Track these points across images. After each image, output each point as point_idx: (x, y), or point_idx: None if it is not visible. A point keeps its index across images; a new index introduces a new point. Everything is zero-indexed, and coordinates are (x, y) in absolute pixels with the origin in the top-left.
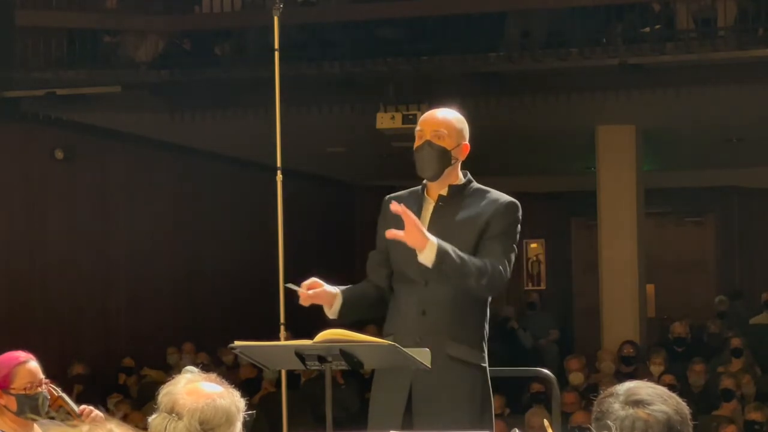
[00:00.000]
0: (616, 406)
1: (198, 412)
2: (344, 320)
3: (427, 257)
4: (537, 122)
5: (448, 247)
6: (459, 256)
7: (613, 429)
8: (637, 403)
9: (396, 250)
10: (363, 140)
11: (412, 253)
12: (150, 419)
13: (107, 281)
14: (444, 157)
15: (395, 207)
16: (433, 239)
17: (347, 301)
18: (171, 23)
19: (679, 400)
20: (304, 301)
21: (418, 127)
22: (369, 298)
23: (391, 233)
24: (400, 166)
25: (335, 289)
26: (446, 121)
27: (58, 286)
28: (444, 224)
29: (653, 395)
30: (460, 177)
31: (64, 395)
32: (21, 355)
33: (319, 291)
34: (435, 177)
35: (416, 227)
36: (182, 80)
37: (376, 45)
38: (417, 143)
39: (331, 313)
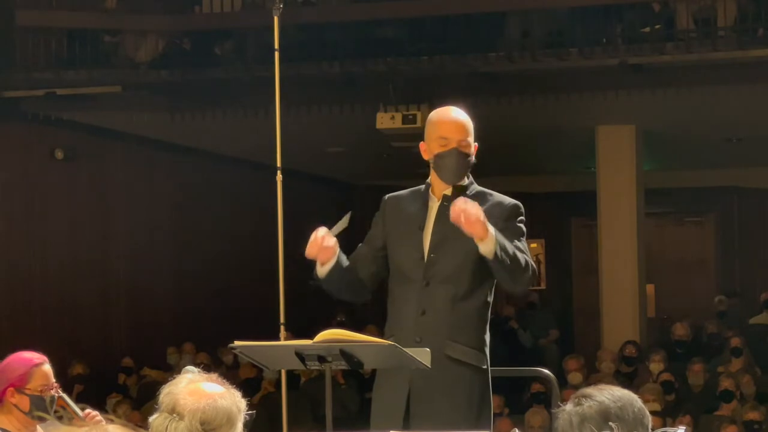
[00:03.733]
0: (565, 407)
1: (199, 412)
2: (326, 284)
3: (488, 247)
4: (537, 122)
5: (502, 237)
6: (512, 251)
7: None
8: (579, 398)
9: (398, 251)
10: (363, 140)
11: (416, 254)
12: (151, 419)
13: (107, 281)
14: (469, 164)
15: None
16: (492, 230)
17: (338, 265)
18: (171, 23)
19: (631, 395)
20: (311, 249)
21: (440, 133)
22: (353, 275)
23: (457, 217)
24: (400, 166)
25: (337, 249)
26: (467, 127)
27: (58, 286)
28: (449, 224)
29: (601, 391)
30: (464, 177)
31: (65, 396)
32: (36, 356)
33: (328, 246)
34: (458, 182)
35: (479, 219)
36: (182, 80)
37: (376, 45)
38: (441, 149)
39: (322, 271)
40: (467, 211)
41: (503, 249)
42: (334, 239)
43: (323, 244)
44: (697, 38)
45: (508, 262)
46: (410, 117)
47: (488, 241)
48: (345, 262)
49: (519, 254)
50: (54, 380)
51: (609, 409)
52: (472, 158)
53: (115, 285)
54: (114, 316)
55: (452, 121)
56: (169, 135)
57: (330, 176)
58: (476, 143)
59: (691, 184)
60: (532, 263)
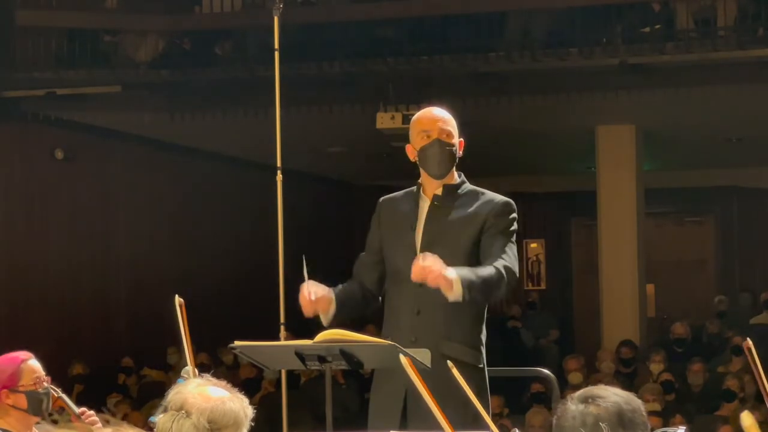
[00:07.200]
0: (571, 406)
1: (207, 411)
2: (334, 322)
3: (455, 295)
4: (537, 122)
5: (467, 273)
6: (480, 279)
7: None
8: (589, 399)
9: (392, 252)
10: (363, 140)
11: (409, 254)
12: (157, 417)
13: (107, 281)
14: (453, 155)
15: None
16: (454, 274)
17: (340, 305)
18: (171, 23)
19: (634, 397)
20: (307, 310)
21: (422, 128)
22: (356, 299)
23: (419, 276)
24: (400, 166)
25: (331, 294)
26: (448, 120)
27: (58, 286)
28: (440, 223)
29: (607, 391)
30: (455, 176)
31: (64, 395)
32: (21, 354)
33: (321, 298)
34: (444, 175)
35: (441, 273)
36: (182, 80)
37: (376, 45)
38: (424, 142)
39: (326, 319)
40: (428, 268)
41: (471, 287)
42: (321, 289)
43: (312, 299)
44: (697, 38)
45: (480, 295)
46: (410, 117)
47: (455, 290)
48: (344, 293)
49: (489, 277)
50: (44, 373)
51: (624, 411)
52: (457, 151)
53: (115, 285)
54: (114, 316)
55: (432, 116)
56: (169, 135)
57: (330, 176)
58: (462, 140)
59: (691, 184)
60: (510, 266)
